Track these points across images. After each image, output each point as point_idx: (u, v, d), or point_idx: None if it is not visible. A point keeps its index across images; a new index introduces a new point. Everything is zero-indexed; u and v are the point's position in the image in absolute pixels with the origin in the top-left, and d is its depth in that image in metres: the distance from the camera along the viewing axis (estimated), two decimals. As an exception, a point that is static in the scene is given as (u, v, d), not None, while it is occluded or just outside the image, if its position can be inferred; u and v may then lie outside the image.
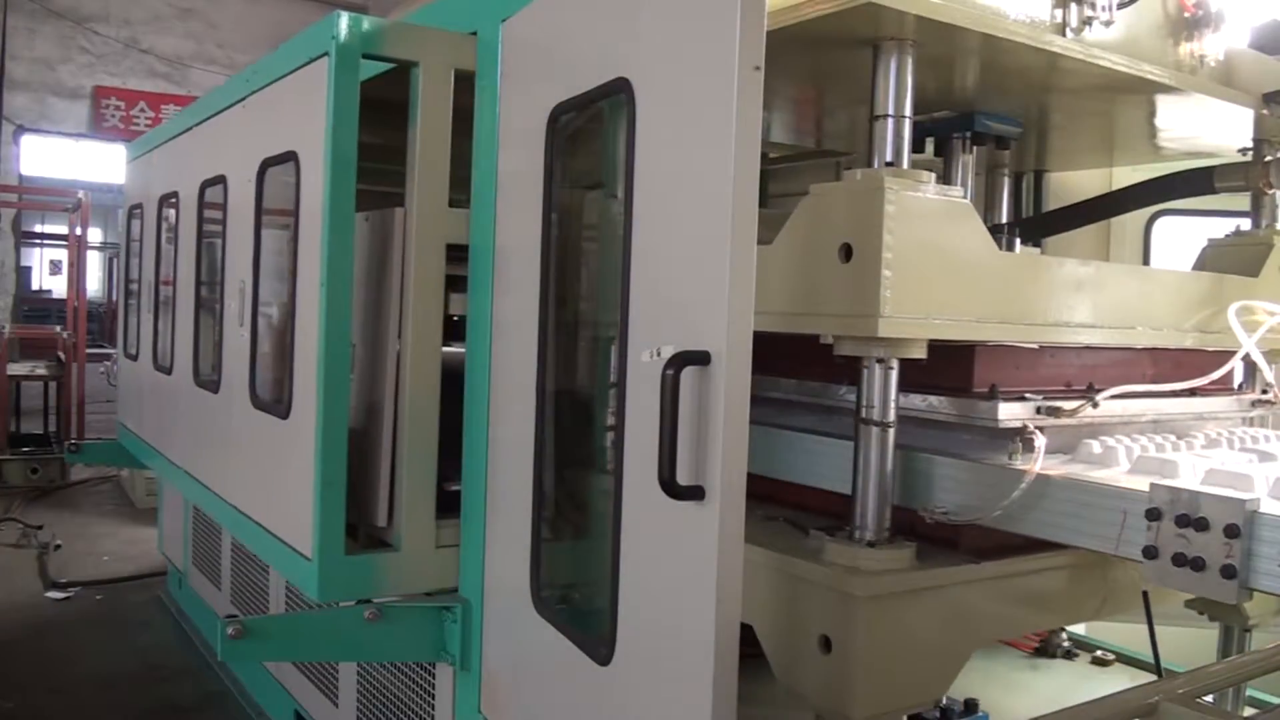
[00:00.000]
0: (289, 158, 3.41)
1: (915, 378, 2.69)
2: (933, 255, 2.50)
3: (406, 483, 3.09)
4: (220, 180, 4.36)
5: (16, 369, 10.68)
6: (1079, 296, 2.86)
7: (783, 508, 3.10)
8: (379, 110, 3.11)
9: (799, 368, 3.18)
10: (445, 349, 3.18)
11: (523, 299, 2.82)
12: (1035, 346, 2.90)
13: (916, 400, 2.81)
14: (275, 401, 3.59)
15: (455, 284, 3.18)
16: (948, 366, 2.74)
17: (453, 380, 3.17)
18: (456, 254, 3.15)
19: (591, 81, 2.46)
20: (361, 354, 3.33)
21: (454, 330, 3.23)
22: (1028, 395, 2.76)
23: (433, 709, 3.44)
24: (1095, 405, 2.79)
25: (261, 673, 4.97)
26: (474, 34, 3.09)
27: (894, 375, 2.56)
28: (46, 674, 5.57)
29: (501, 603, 2.96)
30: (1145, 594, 2.96)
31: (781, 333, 2.68)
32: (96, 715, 5.14)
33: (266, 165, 3.73)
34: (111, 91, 15.70)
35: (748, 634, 2.67)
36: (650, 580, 2.24)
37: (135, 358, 6.23)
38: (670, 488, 2.04)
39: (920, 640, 2.55)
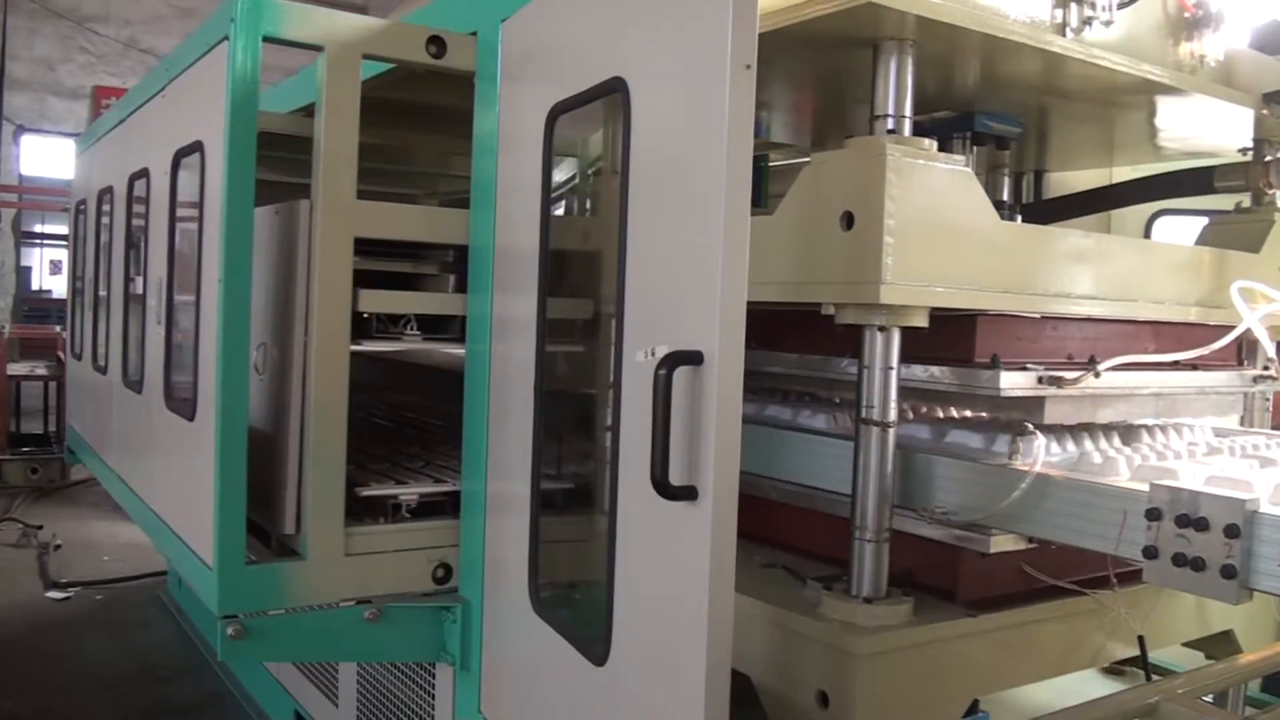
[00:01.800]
0: (196, 148, 3.30)
1: (917, 348, 2.68)
2: (934, 222, 2.51)
3: (313, 488, 2.96)
4: (145, 173, 4.25)
5: (16, 369, 10.67)
6: (1081, 268, 2.87)
7: (780, 550, 3.13)
8: (379, 111, 3.10)
9: (801, 344, 3.19)
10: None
11: (522, 299, 2.82)
12: (1037, 317, 2.89)
13: (918, 371, 2.81)
14: (184, 402, 3.46)
15: (368, 280, 3.08)
16: (949, 337, 2.74)
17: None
18: (369, 249, 3.06)
19: (588, 81, 2.46)
20: (274, 353, 3.20)
21: (364, 328, 3.12)
22: (1029, 365, 2.75)
23: (433, 709, 3.44)
24: (1097, 376, 2.78)
25: (261, 673, 4.97)
26: (474, 34, 3.09)
27: (895, 344, 2.56)
28: (47, 674, 5.57)
29: (501, 603, 2.96)
30: (1141, 639, 2.96)
31: (783, 310, 2.68)
32: (96, 715, 5.14)
33: (179, 156, 3.62)
34: (112, 91, 15.67)
35: (747, 686, 2.68)
36: (644, 580, 2.24)
37: (80, 357, 6.11)
38: (663, 488, 2.03)
39: (918, 694, 2.57)
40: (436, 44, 3.04)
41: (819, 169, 2.60)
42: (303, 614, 3.04)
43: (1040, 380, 2.70)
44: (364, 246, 3.07)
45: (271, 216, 3.17)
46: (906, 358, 2.63)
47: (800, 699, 2.55)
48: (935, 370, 2.79)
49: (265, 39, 2.85)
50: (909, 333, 2.58)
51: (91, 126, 6.27)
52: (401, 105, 3.90)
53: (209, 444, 2.99)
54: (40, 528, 8.45)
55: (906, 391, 2.73)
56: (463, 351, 3.17)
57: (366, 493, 3.18)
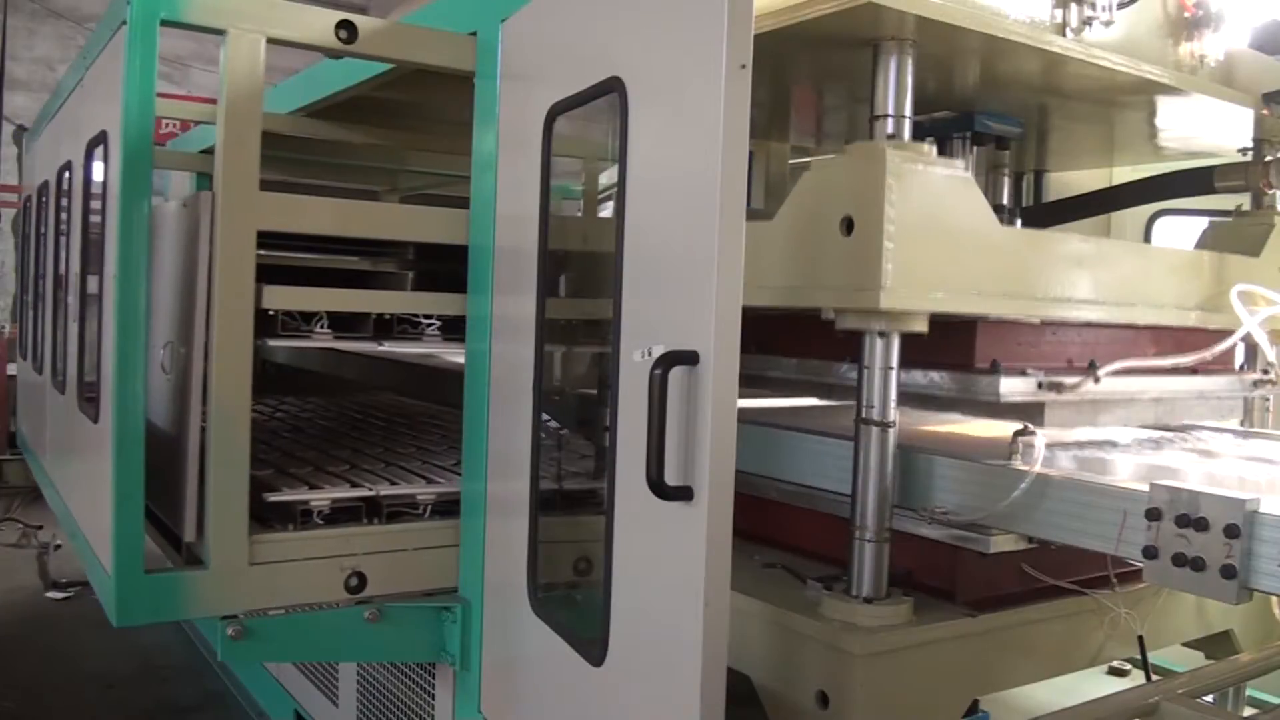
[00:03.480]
0: (102, 138, 3.20)
1: (917, 354, 2.68)
2: (935, 228, 2.51)
3: (214, 494, 2.82)
4: (69, 166, 4.16)
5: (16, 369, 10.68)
6: (1081, 273, 2.86)
7: (780, 550, 3.12)
8: (378, 111, 3.09)
9: (801, 348, 3.19)
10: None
11: (522, 299, 2.81)
12: (1037, 322, 2.89)
13: (918, 376, 2.80)
14: (91, 403, 3.35)
15: (272, 275, 2.95)
16: (949, 342, 2.75)
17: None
18: (275, 242, 2.95)
19: (586, 81, 2.46)
20: (181, 353, 3.04)
21: (268, 326, 3.01)
22: (1029, 371, 2.75)
23: (433, 709, 3.44)
24: (1097, 381, 2.78)
25: (261, 673, 4.96)
26: (474, 34, 3.09)
27: (895, 349, 2.56)
28: (47, 674, 5.57)
29: (500, 603, 2.96)
30: (1140, 639, 2.97)
31: (783, 313, 2.68)
32: (96, 715, 5.14)
33: (91, 147, 3.52)
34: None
35: (747, 686, 2.68)
36: (641, 581, 2.23)
37: (26, 356, 6.00)
38: (658, 488, 2.03)
39: (918, 694, 2.57)
40: (346, 29, 2.93)
41: (819, 174, 2.60)
42: (303, 614, 3.03)
43: (1040, 385, 2.70)
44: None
45: (179, 209, 3.05)
46: (906, 362, 2.63)
47: (800, 699, 2.55)
48: (935, 375, 2.80)
49: (163, 23, 2.75)
50: (909, 337, 2.58)
51: (35, 121, 6.18)
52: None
53: (109, 447, 2.87)
54: (40, 528, 8.45)
55: (906, 396, 2.73)
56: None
57: (274, 498, 3.07)
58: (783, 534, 3.23)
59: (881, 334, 2.54)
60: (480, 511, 3.05)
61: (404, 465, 3.64)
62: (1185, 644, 3.35)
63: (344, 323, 3.33)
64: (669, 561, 2.09)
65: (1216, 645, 3.34)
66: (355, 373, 6.10)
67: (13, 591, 6.98)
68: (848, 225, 2.46)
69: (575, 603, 2.78)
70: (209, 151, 5.88)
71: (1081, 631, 2.94)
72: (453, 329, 3.40)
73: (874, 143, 2.56)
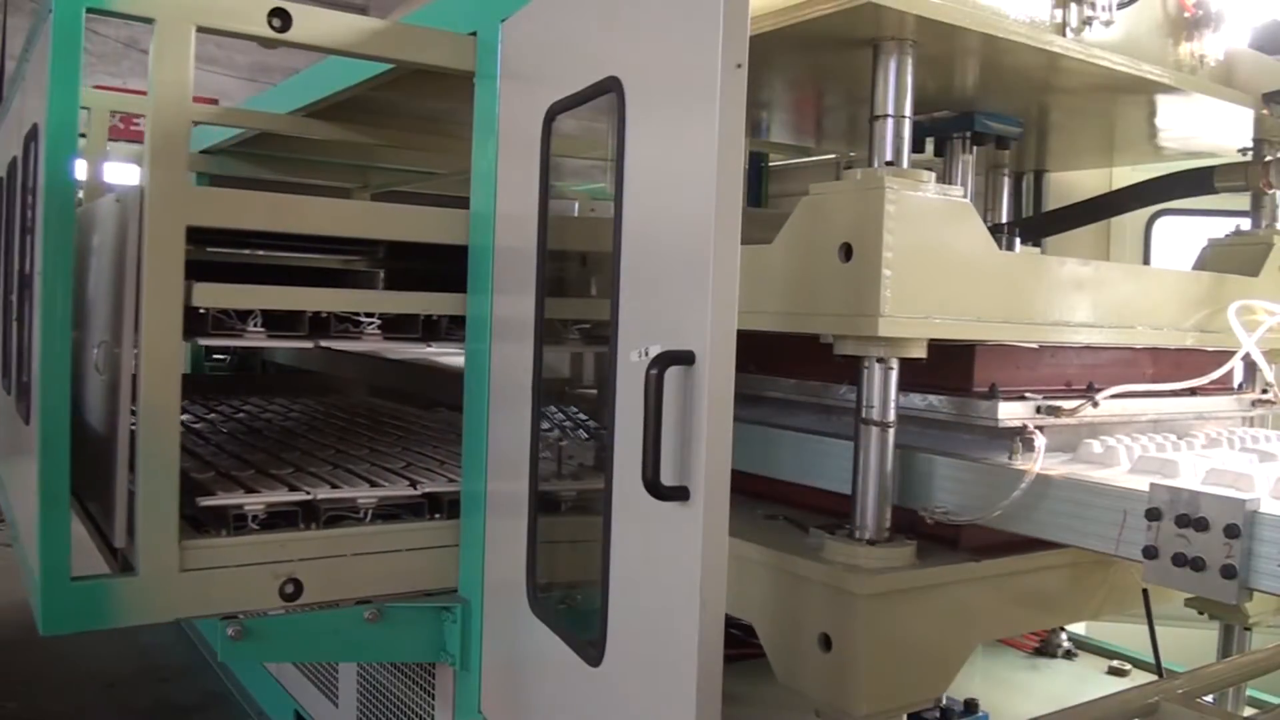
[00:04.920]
0: (35, 133, 3.15)
1: (915, 377, 2.69)
2: (933, 255, 2.51)
3: (143, 498, 2.74)
4: (15, 163, 4.07)
5: (16, 369, 10.65)
6: (1079, 296, 2.86)
7: (783, 506, 3.09)
8: (376, 112, 3.08)
9: (799, 368, 3.18)
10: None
11: (520, 298, 2.82)
12: (1035, 346, 2.90)
13: (916, 400, 2.82)
14: (23, 404, 3.31)
15: (203, 273, 2.87)
16: (948, 366, 2.75)
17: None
18: (206, 238, 2.90)
19: (585, 80, 2.46)
20: (115, 352, 2.95)
21: (197, 325, 2.95)
22: (1028, 394, 2.76)
23: (433, 709, 3.44)
24: (1095, 405, 2.80)
25: (261, 673, 4.97)
26: (474, 34, 3.09)
27: (894, 375, 2.56)
28: (47, 674, 5.57)
29: (500, 603, 2.96)
30: (1145, 593, 2.96)
31: (782, 333, 2.68)
32: (97, 715, 5.15)
33: (28, 140, 3.46)
34: (112, 91, 15.71)
35: (749, 632, 2.68)
36: (638, 581, 2.23)
37: None
38: (654, 488, 2.02)
39: (920, 638, 2.55)
40: (280, 16, 2.84)
41: (817, 199, 2.60)
42: (303, 614, 3.04)
43: (1038, 409, 2.70)
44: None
45: (113, 204, 2.99)
46: (905, 386, 2.64)
47: (803, 643, 2.53)
48: (934, 400, 2.80)
49: (89, 11, 2.69)
50: (907, 361, 2.57)
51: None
52: (396, 107, 3.89)
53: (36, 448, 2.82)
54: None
55: (904, 419, 2.72)
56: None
57: (207, 502, 2.99)
58: (784, 496, 3.19)
59: (880, 360, 2.54)
60: (480, 511, 3.05)
61: (351, 468, 3.54)
62: (1187, 603, 3.28)
63: (289, 323, 3.25)
64: (665, 562, 2.09)
65: (1219, 604, 3.28)
66: (355, 373, 6.12)
67: (13, 591, 6.98)
68: (846, 252, 2.46)
69: (574, 603, 2.79)
70: (208, 151, 5.91)
71: (1086, 583, 2.92)
72: (393, 327, 3.33)
73: (873, 170, 2.56)
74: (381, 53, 3.15)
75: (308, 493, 3.13)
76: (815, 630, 2.51)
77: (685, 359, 2.00)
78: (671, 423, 2.03)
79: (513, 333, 2.88)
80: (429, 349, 3.33)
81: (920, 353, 2.56)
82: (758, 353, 3.11)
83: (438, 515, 3.26)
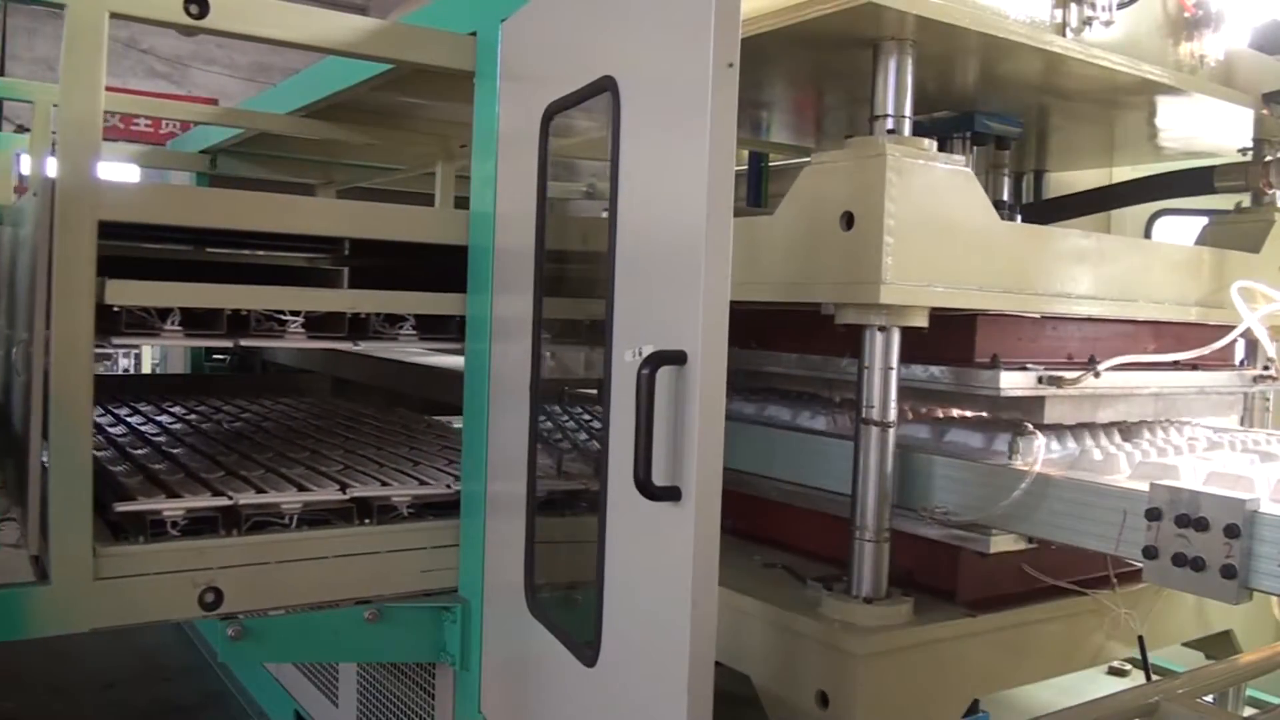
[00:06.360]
0: None
1: (917, 349, 2.68)
2: (934, 223, 2.51)
3: (55, 503, 2.63)
4: None
5: (16, 369, 10.64)
6: (1081, 268, 2.87)
7: (779, 550, 3.12)
8: (373, 112, 3.07)
9: (801, 343, 3.19)
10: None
11: (519, 298, 2.81)
12: (1037, 317, 2.89)
13: (918, 371, 2.81)
14: None
15: (116, 269, 2.76)
16: (949, 337, 2.74)
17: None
18: (120, 232, 2.80)
19: (581, 80, 2.46)
20: (32, 352, 2.84)
21: (111, 323, 2.85)
22: (1029, 365, 2.75)
23: (433, 709, 3.44)
24: (1097, 375, 2.78)
25: (261, 673, 4.97)
26: (474, 34, 3.09)
27: (895, 344, 2.56)
28: (47, 674, 5.56)
29: (499, 603, 2.96)
30: (1141, 639, 2.97)
31: (784, 309, 2.68)
32: (97, 715, 5.14)
33: None
34: (111, 91, 15.67)
35: (747, 686, 2.68)
36: (631, 582, 2.23)
37: None
38: (646, 488, 2.02)
39: (918, 694, 2.57)
40: (197, 3, 2.72)
41: (819, 169, 2.60)
42: (303, 614, 3.03)
43: (1040, 380, 2.70)
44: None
45: (33, 200, 2.90)
46: (906, 357, 2.63)
47: (800, 699, 2.55)
48: (935, 370, 2.79)
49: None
50: (909, 332, 2.58)
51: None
52: (394, 108, 3.88)
53: None
54: (40, 528, 8.44)
55: (906, 391, 2.73)
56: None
57: (125, 507, 2.85)
58: (783, 534, 3.23)
59: (881, 329, 2.54)
60: (480, 512, 3.05)
61: (284, 471, 3.44)
62: (1185, 644, 3.35)
63: (214, 321, 3.13)
64: (658, 562, 2.09)
65: (1216, 645, 3.34)
66: (354, 374, 6.12)
67: (13, 591, 6.97)
68: (848, 220, 2.47)
69: (570, 604, 2.79)
70: (208, 151, 5.91)
71: (1082, 631, 2.94)
72: (316, 326, 3.22)
73: (874, 138, 2.57)
74: (381, 53, 3.15)
75: (230, 497, 3.01)
76: (812, 687, 2.52)
77: (677, 359, 1.99)
78: (663, 422, 2.02)
79: (511, 332, 2.88)
80: (357, 347, 3.25)
81: (922, 321, 2.56)
82: (759, 328, 3.14)
83: (367, 520, 3.16)
